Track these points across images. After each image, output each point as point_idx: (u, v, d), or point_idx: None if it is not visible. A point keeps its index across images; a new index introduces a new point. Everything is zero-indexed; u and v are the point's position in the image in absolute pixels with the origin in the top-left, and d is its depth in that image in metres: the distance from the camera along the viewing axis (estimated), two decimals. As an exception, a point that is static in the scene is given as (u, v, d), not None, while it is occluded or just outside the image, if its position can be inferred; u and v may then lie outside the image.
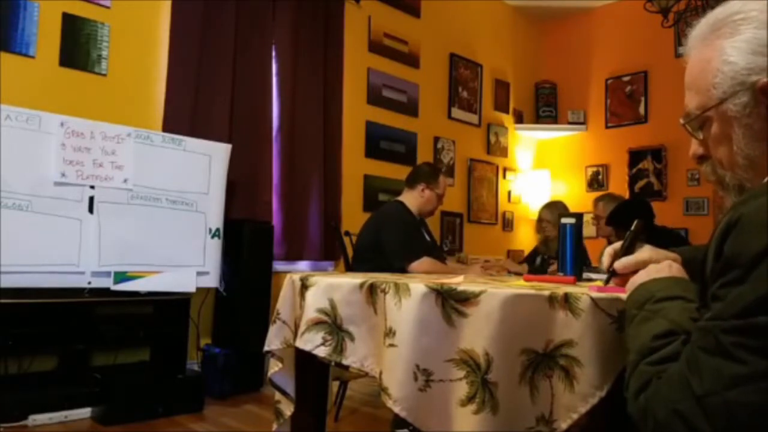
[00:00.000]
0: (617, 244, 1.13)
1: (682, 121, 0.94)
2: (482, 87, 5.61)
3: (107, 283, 2.81)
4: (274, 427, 1.54)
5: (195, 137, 3.23)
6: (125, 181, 2.89)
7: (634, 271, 1.02)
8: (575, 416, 1.05)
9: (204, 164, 3.18)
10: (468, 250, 5.31)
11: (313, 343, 1.34)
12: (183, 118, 3.43)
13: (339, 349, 1.31)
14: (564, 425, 1.06)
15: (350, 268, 3.05)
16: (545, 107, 6.12)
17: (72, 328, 2.85)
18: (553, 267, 2.81)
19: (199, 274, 3.09)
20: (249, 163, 3.70)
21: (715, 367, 0.71)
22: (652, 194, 5.25)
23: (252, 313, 3.42)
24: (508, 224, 5.83)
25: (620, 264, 1.06)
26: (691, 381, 0.72)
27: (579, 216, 1.75)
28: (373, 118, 4.62)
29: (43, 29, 3.04)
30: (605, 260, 1.12)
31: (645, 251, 1.06)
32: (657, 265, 0.98)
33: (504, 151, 5.82)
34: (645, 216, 3.28)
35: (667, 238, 3.00)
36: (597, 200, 3.74)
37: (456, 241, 5.26)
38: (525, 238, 5.83)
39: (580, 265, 1.71)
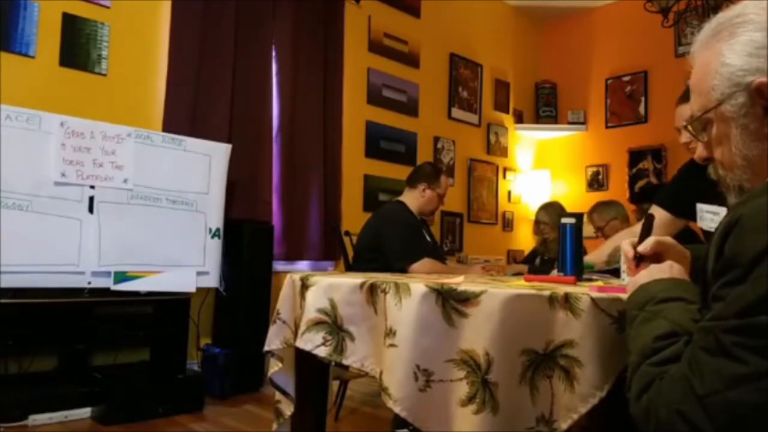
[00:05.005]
0: (632, 239, 1.13)
1: (684, 123, 0.95)
2: (482, 87, 5.61)
3: (107, 283, 2.81)
4: (274, 426, 1.54)
5: (195, 137, 3.23)
6: (125, 181, 2.89)
7: (657, 254, 1.03)
8: (575, 416, 1.06)
9: (204, 164, 3.18)
10: (468, 250, 5.32)
11: (314, 343, 1.34)
12: (183, 118, 3.43)
13: (339, 349, 1.31)
14: (564, 425, 1.07)
15: (350, 268, 3.05)
16: (545, 107, 6.12)
17: (72, 328, 2.85)
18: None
19: (199, 274, 3.09)
20: (249, 163, 3.70)
21: (716, 367, 0.71)
22: (652, 194, 5.25)
23: (252, 313, 3.42)
24: (508, 224, 5.83)
25: (643, 246, 1.06)
26: (693, 381, 0.73)
27: (579, 216, 1.75)
28: (373, 118, 4.62)
29: (43, 29, 3.03)
30: (626, 248, 1.10)
31: (665, 237, 1.08)
32: (658, 266, 0.99)
33: (504, 151, 5.82)
34: None
35: (682, 235, 3.00)
36: (591, 213, 3.62)
37: (456, 241, 5.26)
38: (525, 238, 5.83)
39: (580, 265, 1.71)
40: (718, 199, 0.96)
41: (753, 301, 0.69)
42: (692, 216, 1.88)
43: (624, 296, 1.02)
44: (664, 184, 4.95)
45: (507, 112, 5.89)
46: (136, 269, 2.90)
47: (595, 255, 2.10)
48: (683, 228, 2.06)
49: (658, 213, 1.97)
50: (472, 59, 5.51)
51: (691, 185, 1.80)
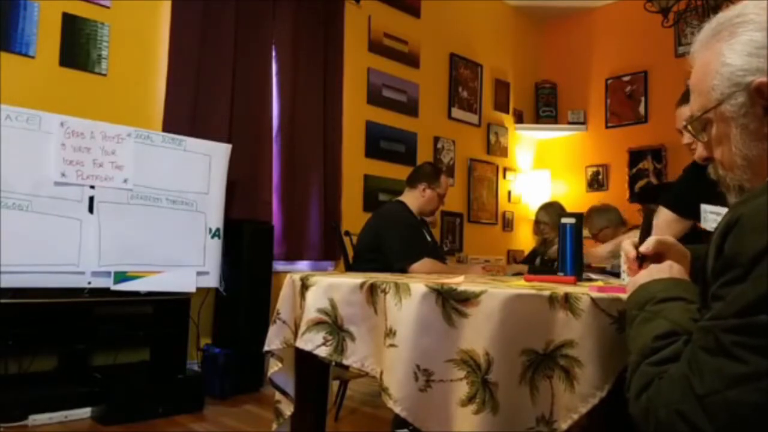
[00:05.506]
0: (633, 239, 1.13)
1: (684, 123, 0.95)
2: (482, 87, 5.61)
3: (107, 283, 2.81)
4: (274, 426, 1.54)
5: (195, 137, 3.23)
6: (125, 181, 2.89)
7: (658, 254, 1.03)
8: (575, 416, 1.06)
9: (204, 164, 3.18)
10: (468, 250, 5.32)
11: (314, 343, 1.34)
12: (183, 118, 3.43)
13: (339, 349, 1.31)
14: (564, 425, 1.07)
15: (350, 268, 3.05)
16: (545, 107, 6.12)
17: (72, 328, 2.85)
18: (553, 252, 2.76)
19: (199, 274, 3.09)
20: (249, 163, 3.70)
21: (716, 366, 0.71)
22: (654, 194, 5.25)
23: (252, 313, 3.42)
24: (508, 224, 5.83)
25: (644, 246, 1.06)
26: (692, 381, 0.73)
27: (579, 216, 1.75)
28: (373, 118, 4.62)
29: (43, 29, 3.03)
30: (628, 249, 1.10)
31: (666, 237, 1.07)
32: (658, 266, 0.99)
33: (504, 151, 5.82)
34: None
35: (691, 235, 2.99)
36: (586, 218, 3.61)
37: (456, 241, 5.26)
38: (525, 238, 5.83)
39: (580, 265, 1.71)
40: (721, 199, 0.97)
41: (753, 300, 0.69)
42: (698, 216, 1.88)
43: (624, 296, 1.02)
44: (664, 183, 4.96)
45: (507, 112, 5.89)
46: (136, 269, 2.90)
47: (598, 248, 2.11)
48: (691, 228, 2.07)
49: (664, 213, 1.98)
50: (472, 59, 5.51)
51: (696, 186, 1.81)
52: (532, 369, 1.08)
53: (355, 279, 1.34)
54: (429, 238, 3.11)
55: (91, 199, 2.79)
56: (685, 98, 1.87)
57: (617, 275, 2.04)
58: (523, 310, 1.09)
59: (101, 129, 2.85)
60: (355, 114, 4.47)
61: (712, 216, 1.78)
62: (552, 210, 3.68)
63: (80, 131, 2.78)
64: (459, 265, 4.51)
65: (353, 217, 4.20)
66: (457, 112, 5.34)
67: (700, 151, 0.96)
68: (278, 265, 3.83)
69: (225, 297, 3.40)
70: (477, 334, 1.09)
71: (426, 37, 5.06)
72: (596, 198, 5.29)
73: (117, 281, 2.83)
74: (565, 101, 6.09)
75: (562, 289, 1.16)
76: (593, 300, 1.08)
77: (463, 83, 5.41)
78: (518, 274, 2.69)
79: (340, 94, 4.29)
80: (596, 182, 5.76)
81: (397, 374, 1.12)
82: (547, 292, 1.10)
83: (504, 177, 5.83)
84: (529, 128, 6.05)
